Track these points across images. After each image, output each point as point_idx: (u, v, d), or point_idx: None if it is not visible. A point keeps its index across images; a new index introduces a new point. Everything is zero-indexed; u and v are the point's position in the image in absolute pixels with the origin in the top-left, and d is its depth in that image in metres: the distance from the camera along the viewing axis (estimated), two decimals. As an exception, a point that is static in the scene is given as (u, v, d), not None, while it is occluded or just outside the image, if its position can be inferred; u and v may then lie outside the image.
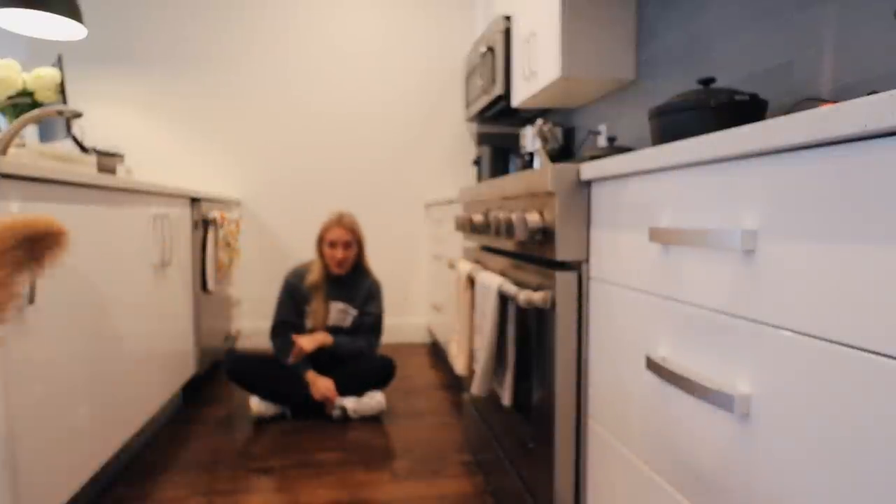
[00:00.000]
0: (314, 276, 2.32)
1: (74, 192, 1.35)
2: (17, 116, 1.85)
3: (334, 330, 2.32)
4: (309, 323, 2.33)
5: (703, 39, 1.66)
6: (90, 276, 1.43)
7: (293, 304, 2.34)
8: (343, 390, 2.19)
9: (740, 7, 1.50)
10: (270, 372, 2.19)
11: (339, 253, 2.29)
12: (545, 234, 1.14)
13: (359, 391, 2.21)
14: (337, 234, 2.29)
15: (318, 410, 2.22)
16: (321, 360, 2.28)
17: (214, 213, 2.56)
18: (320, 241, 2.34)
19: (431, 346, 3.42)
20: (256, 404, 2.14)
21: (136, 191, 1.76)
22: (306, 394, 2.17)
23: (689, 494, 0.76)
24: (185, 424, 2.10)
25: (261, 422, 2.13)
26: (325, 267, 2.33)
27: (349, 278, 2.36)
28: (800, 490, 0.57)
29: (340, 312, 2.34)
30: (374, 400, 2.19)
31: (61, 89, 2.00)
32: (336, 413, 2.14)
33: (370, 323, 2.35)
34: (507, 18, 2.56)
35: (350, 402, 2.16)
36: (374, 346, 2.35)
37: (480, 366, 1.38)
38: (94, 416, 1.43)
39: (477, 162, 3.28)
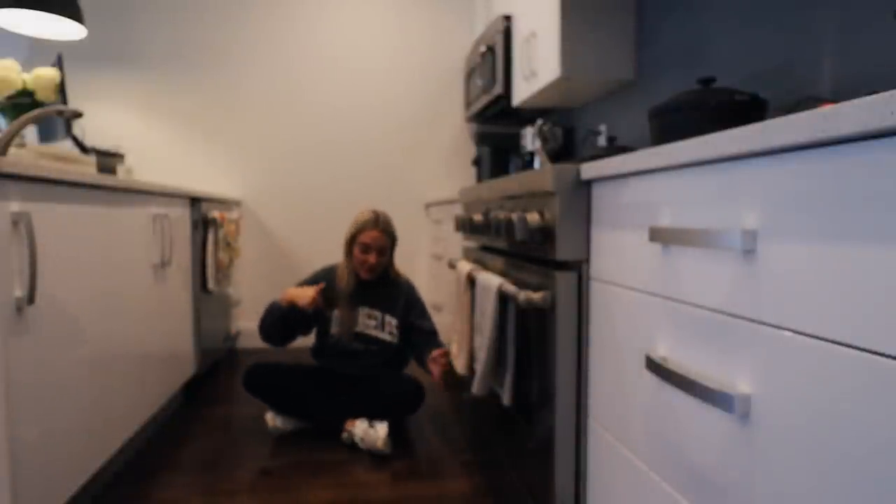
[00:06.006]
0: (343, 282, 2.09)
1: (74, 192, 1.35)
2: (17, 116, 1.85)
3: (364, 338, 2.10)
4: (334, 329, 2.09)
5: (703, 39, 1.66)
6: (90, 276, 1.43)
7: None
8: (364, 412, 1.96)
9: (740, 7, 1.50)
10: (292, 385, 2.03)
11: (371, 258, 2.04)
12: (545, 234, 1.14)
13: (382, 415, 1.95)
14: (372, 236, 2.04)
15: (335, 432, 2.00)
16: (344, 377, 2.08)
17: (214, 213, 2.56)
18: (351, 241, 2.07)
19: (431, 346, 3.41)
20: (272, 419, 2.01)
21: (136, 191, 1.76)
22: (328, 409, 2.02)
23: (689, 494, 0.76)
24: (185, 424, 2.10)
25: (279, 436, 2.01)
26: (353, 270, 2.10)
27: (376, 282, 2.12)
28: (799, 490, 0.57)
29: (368, 318, 2.11)
30: (379, 434, 1.87)
31: (61, 89, 2.00)
32: (345, 436, 1.94)
33: (429, 341, 2.10)
34: (507, 18, 2.56)
35: (360, 430, 1.91)
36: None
37: (480, 366, 1.38)
38: (94, 415, 1.43)
39: (477, 162, 3.28)
